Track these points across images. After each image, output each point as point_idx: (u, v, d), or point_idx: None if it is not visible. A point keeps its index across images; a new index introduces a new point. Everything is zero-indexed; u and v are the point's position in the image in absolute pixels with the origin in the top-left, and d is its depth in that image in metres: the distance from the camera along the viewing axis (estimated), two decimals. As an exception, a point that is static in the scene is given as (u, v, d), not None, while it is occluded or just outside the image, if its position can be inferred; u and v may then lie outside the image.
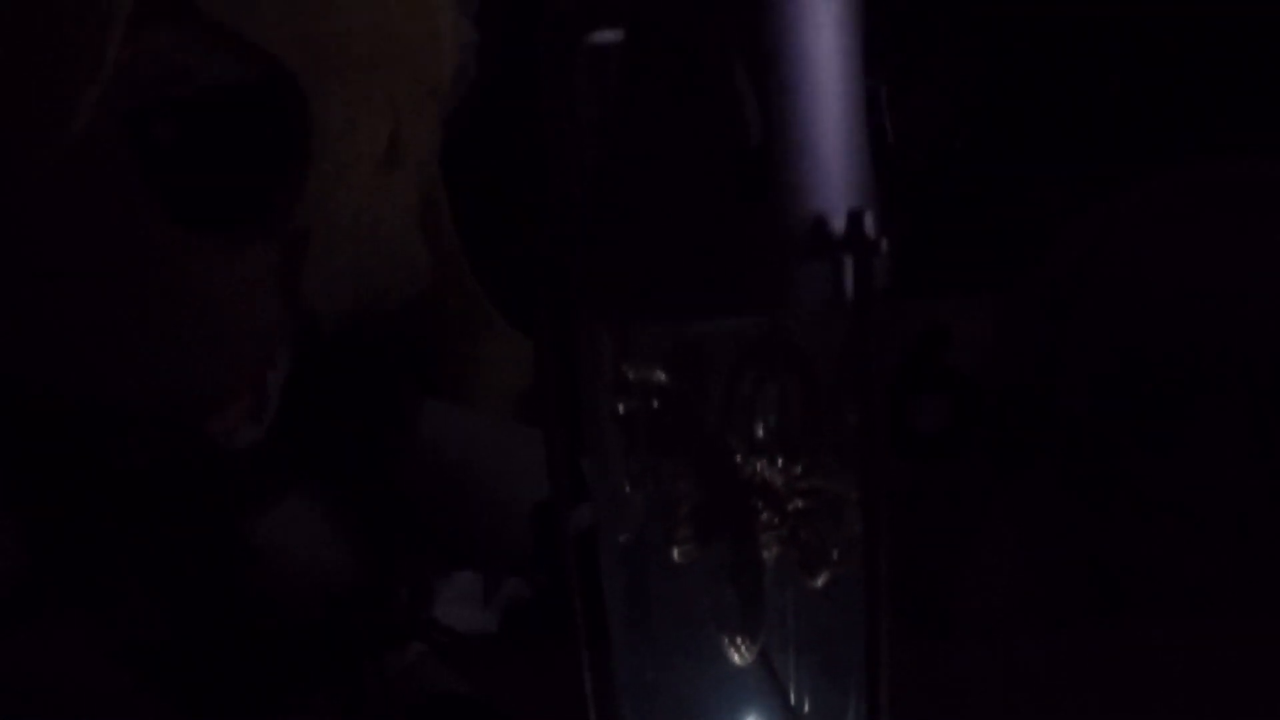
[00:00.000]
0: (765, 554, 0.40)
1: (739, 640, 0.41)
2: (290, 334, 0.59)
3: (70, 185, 0.52)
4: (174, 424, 0.59)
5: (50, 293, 0.55)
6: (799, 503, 0.40)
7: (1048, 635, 0.64)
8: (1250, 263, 0.67)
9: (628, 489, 0.41)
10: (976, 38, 0.74)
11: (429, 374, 0.64)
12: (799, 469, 0.39)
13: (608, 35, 0.37)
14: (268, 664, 0.58)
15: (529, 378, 0.63)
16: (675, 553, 0.40)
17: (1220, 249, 0.67)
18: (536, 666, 0.56)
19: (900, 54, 0.72)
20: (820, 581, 0.40)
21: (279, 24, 0.53)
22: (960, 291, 0.66)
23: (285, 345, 0.59)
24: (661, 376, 0.40)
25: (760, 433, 0.39)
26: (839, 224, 0.34)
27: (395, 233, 0.59)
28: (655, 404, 0.40)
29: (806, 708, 0.42)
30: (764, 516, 0.39)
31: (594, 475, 0.42)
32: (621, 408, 0.40)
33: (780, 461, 0.39)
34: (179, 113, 0.53)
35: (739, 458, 0.39)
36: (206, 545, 0.60)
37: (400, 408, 0.62)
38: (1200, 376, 0.67)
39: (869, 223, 0.34)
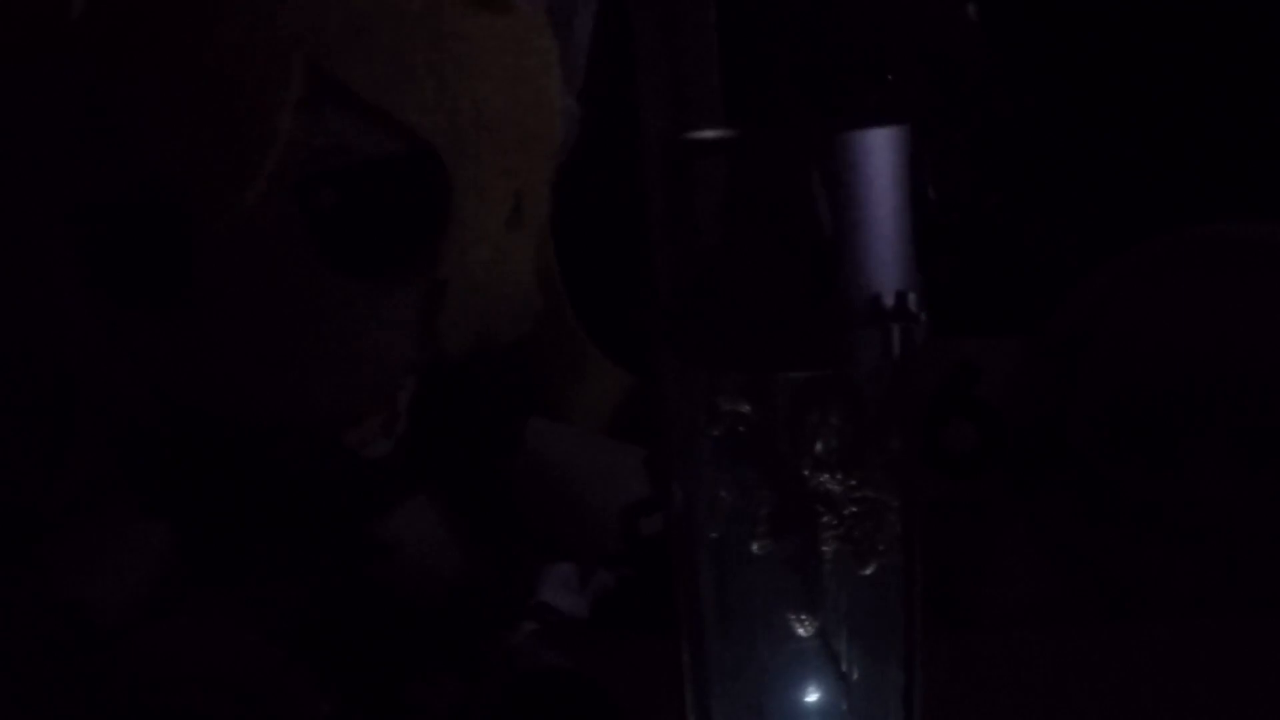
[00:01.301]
0: (824, 549, 0.48)
1: (802, 617, 0.49)
2: (420, 362, 0.64)
3: (249, 240, 0.58)
4: (318, 437, 0.65)
5: (225, 327, 0.60)
6: (852, 508, 0.48)
7: (1057, 632, 0.70)
8: (1236, 311, 0.72)
9: (720, 496, 0.49)
10: (1003, 110, 0.80)
11: (534, 397, 0.69)
12: (853, 481, 0.48)
13: (706, 133, 0.47)
14: (398, 641, 0.63)
15: (615, 401, 0.72)
16: (755, 546, 0.49)
17: (1211, 299, 0.73)
18: (622, 644, 0.65)
19: (937, 122, 0.80)
20: (868, 570, 0.48)
21: (424, 107, 0.59)
22: (988, 333, 0.71)
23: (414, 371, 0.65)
24: (746, 408, 0.48)
25: (822, 453, 0.48)
26: (889, 301, 0.43)
27: (516, 281, 0.65)
28: (741, 429, 0.49)
29: (855, 676, 0.50)
30: (824, 519, 0.48)
31: (692, 486, 0.51)
32: (716, 432, 0.49)
33: (838, 475, 0.48)
34: (340, 181, 0.58)
35: (806, 472, 0.48)
36: (343, 541, 0.65)
37: (510, 425, 0.67)
38: (1193, 409, 0.73)
39: (912, 300, 0.44)
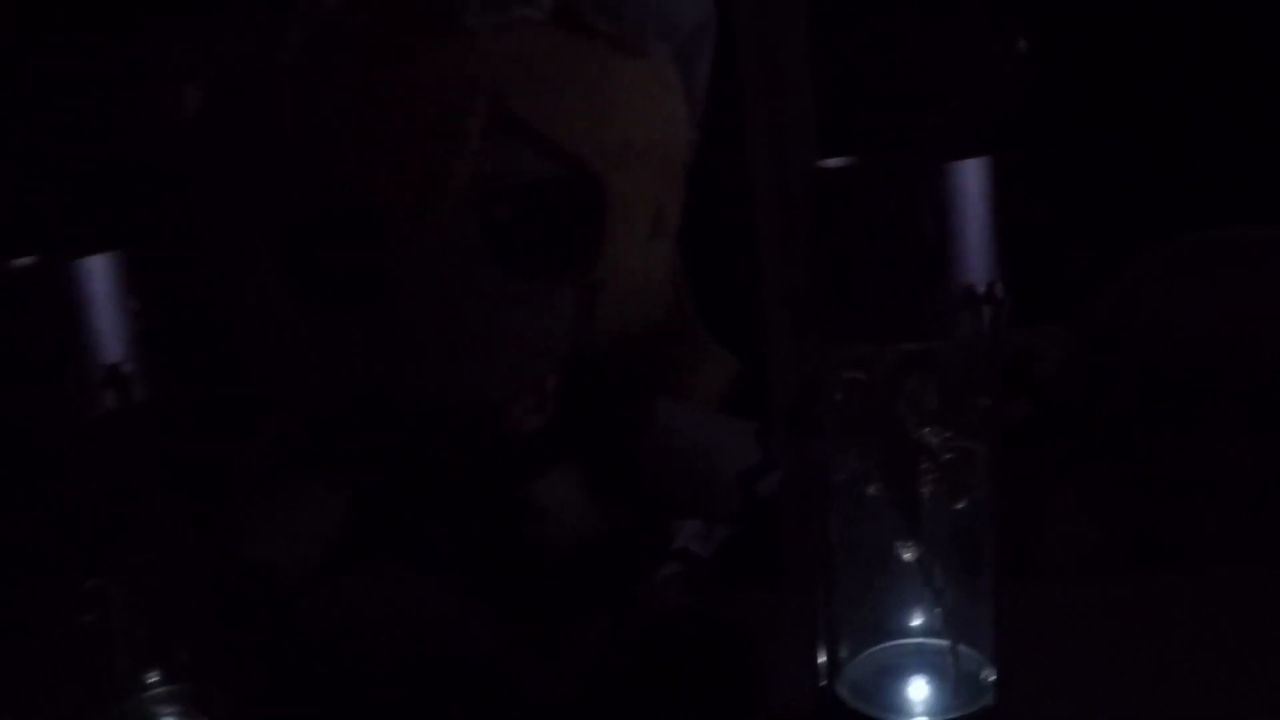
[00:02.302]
0: (923, 490, 0.58)
1: (906, 544, 0.59)
2: (571, 350, 0.67)
3: (436, 248, 0.63)
4: (482, 415, 0.68)
5: (411, 322, 0.64)
6: (948, 456, 0.57)
7: (1099, 577, 0.76)
8: (1251, 301, 0.80)
9: (842, 448, 0.59)
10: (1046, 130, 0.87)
11: (661, 379, 0.73)
12: (948, 434, 0.57)
13: (834, 161, 0.56)
14: (553, 586, 0.68)
15: (726, 383, 0.75)
16: (870, 489, 0.58)
17: (1229, 290, 0.81)
18: (741, 588, 0.72)
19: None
20: (960, 505, 0.57)
21: (582, 135, 0.64)
22: (1042, 321, 0.77)
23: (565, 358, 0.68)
24: (863, 376, 0.57)
25: (923, 410, 0.57)
26: (981, 288, 0.53)
27: (655, 282, 0.70)
28: (858, 394, 0.58)
29: (948, 596, 0.59)
30: (924, 465, 0.58)
31: (818, 441, 0.58)
32: (839, 396, 0.58)
33: (936, 429, 0.57)
34: (513, 198, 0.64)
35: (911, 427, 0.57)
36: (501, 503, 0.69)
37: (642, 404, 0.71)
38: (1213, 384, 0.80)
39: (999, 287, 0.53)
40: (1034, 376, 0.78)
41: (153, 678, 0.65)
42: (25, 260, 0.57)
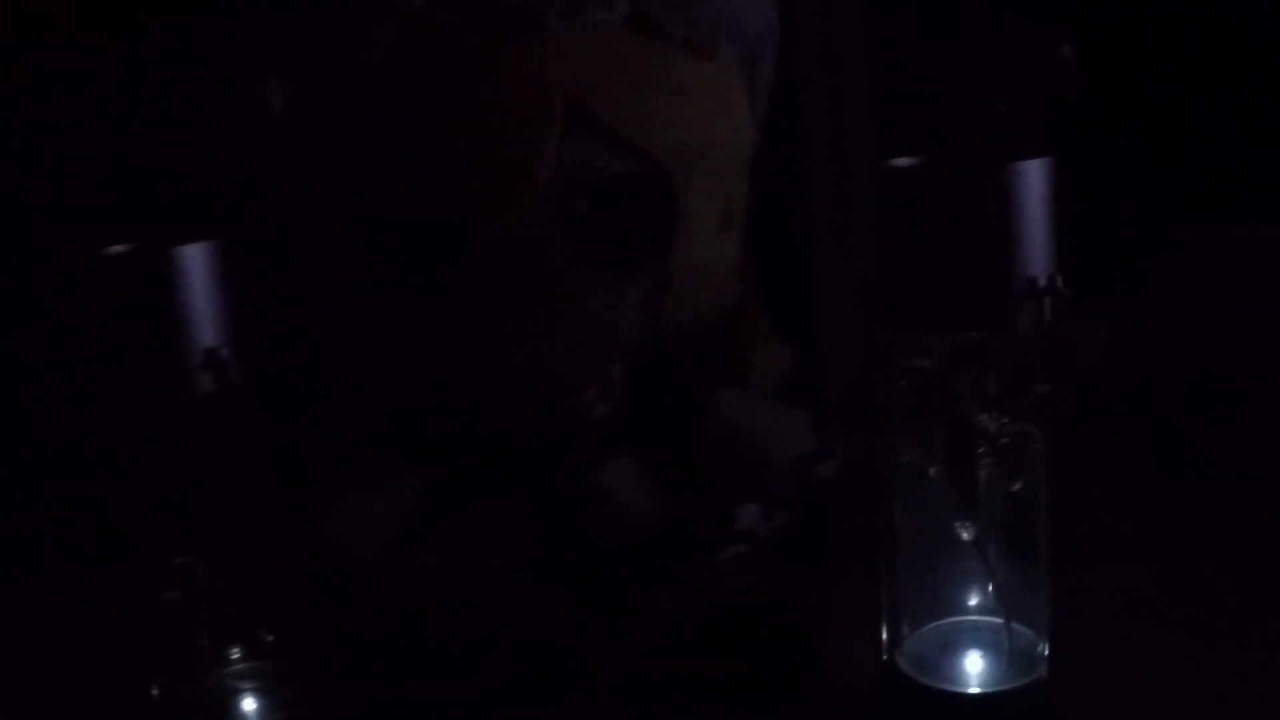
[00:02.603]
0: (980, 473, 0.59)
1: (964, 524, 0.60)
2: (640, 340, 0.69)
3: (518, 240, 0.65)
4: (550, 402, 0.71)
5: (490, 312, 0.66)
6: (1004, 440, 0.59)
7: (1141, 563, 0.77)
8: None
9: (906, 432, 0.60)
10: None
11: (723, 368, 0.75)
12: (1005, 419, 0.59)
13: (904, 160, 0.58)
14: (617, 566, 0.70)
15: (782, 372, 0.77)
16: (931, 471, 0.60)
17: (1266, 285, 0.82)
18: (797, 569, 0.73)
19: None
20: (1015, 487, 0.59)
21: (656, 135, 0.66)
22: (1085, 315, 0.78)
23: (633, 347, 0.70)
24: (927, 364, 0.59)
25: (984, 397, 0.59)
26: (1043, 281, 0.55)
27: (722, 274, 0.72)
28: (922, 381, 0.59)
29: (1002, 573, 0.61)
30: (981, 449, 0.59)
31: (883, 426, 0.60)
32: (904, 383, 0.60)
33: (994, 414, 0.59)
34: (591, 193, 0.65)
35: (970, 413, 0.59)
36: (566, 488, 0.71)
37: (703, 393, 0.73)
38: (1249, 376, 0.81)
39: (1059, 281, 0.55)
40: (1078, 369, 0.78)
41: (235, 654, 0.66)
42: (123, 247, 0.58)
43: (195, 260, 0.57)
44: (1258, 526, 0.78)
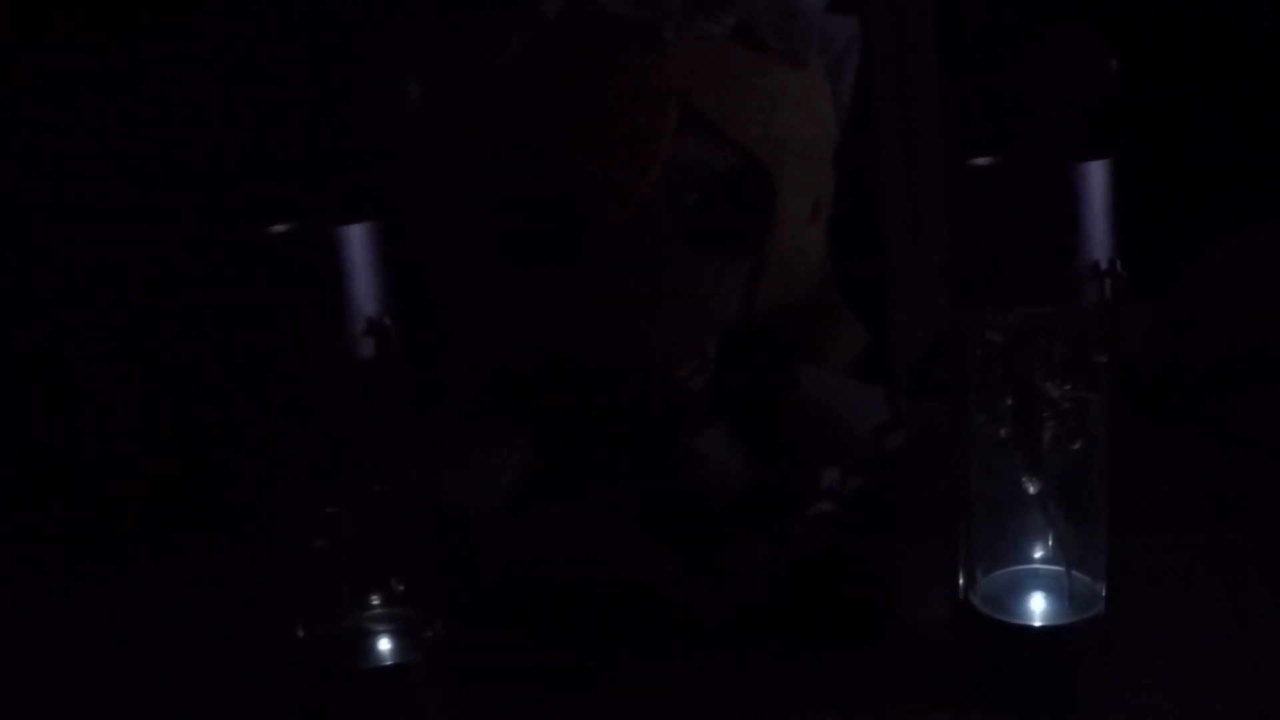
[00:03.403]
0: (1044, 434, 0.65)
1: (1031, 479, 0.66)
2: (734, 318, 0.74)
3: (633, 226, 0.70)
4: (653, 374, 0.76)
5: (606, 290, 0.71)
6: (1066, 405, 0.65)
7: (1176, 525, 0.81)
8: None
9: (980, 398, 0.65)
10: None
11: (804, 346, 0.80)
12: (1067, 386, 0.64)
13: (983, 159, 0.63)
14: (716, 524, 0.74)
15: (858, 351, 0.82)
16: (1002, 432, 0.65)
17: None
18: (871, 527, 0.77)
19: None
20: (1075, 447, 0.65)
21: (756, 133, 0.71)
22: (1130, 299, 0.81)
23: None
24: (999, 337, 0.64)
25: (1049, 366, 0.64)
26: (1104, 265, 0.61)
27: (811, 260, 0.77)
28: (993, 351, 0.65)
29: (1062, 525, 0.66)
30: (1046, 414, 0.65)
31: (961, 393, 0.65)
32: (980, 353, 0.65)
33: (1057, 381, 0.64)
34: (699, 186, 0.70)
35: (1037, 380, 0.64)
36: (666, 452, 0.76)
37: (787, 368, 0.78)
38: (1277, 359, 0.85)
39: (1118, 264, 0.61)
40: (1120, 349, 0.83)
41: (374, 600, 0.70)
42: (287, 226, 0.64)
43: (357, 239, 0.63)
44: (1280, 494, 0.82)
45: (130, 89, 0.97)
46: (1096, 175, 0.61)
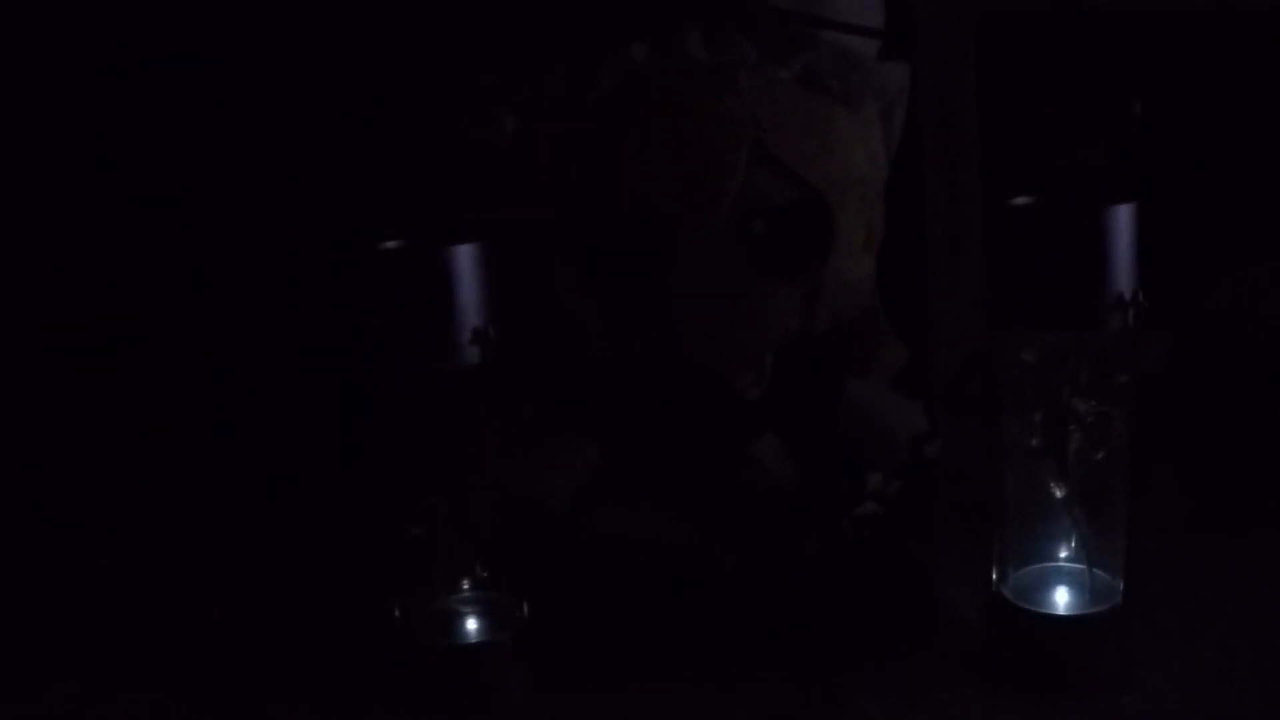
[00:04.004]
0: (1071, 445, 0.70)
1: (1058, 484, 0.71)
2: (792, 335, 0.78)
3: (705, 249, 0.74)
4: (715, 385, 0.79)
5: (680, 307, 0.75)
6: (1091, 419, 0.70)
7: (1190, 529, 0.87)
8: None
9: (1015, 411, 0.71)
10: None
11: (851, 361, 0.83)
12: (1092, 402, 0.70)
13: (1021, 200, 0.69)
14: (765, 525, 0.78)
15: (899, 367, 0.85)
16: (1033, 442, 0.70)
17: None
18: (909, 528, 0.82)
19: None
20: (1099, 456, 0.70)
21: (817, 170, 0.75)
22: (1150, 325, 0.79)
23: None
24: (1032, 358, 0.69)
25: (1077, 385, 0.70)
26: (1128, 296, 0.66)
27: (862, 283, 0.82)
28: (1027, 370, 0.70)
29: (1085, 527, 0.72)
30: (1072, 427, 0.70)
31: (997, 406, 0.70)
32: (1014, 372, 0.70)
33: (1083, 397, 0.70)
34: (765, 215, 0.74)
35: (1065, 397, 0.69)
36: (727, 455, 0.79)
37: (835, 381, 0.81)
38: None
39: (1140, 295, 0.66)
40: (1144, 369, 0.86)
41: (464, 584, 0.75)
42: (397, 243, 0.70)
43: (465, 257, 0.69)
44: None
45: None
46: (1122, 217, 0.67)
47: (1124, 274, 0.67)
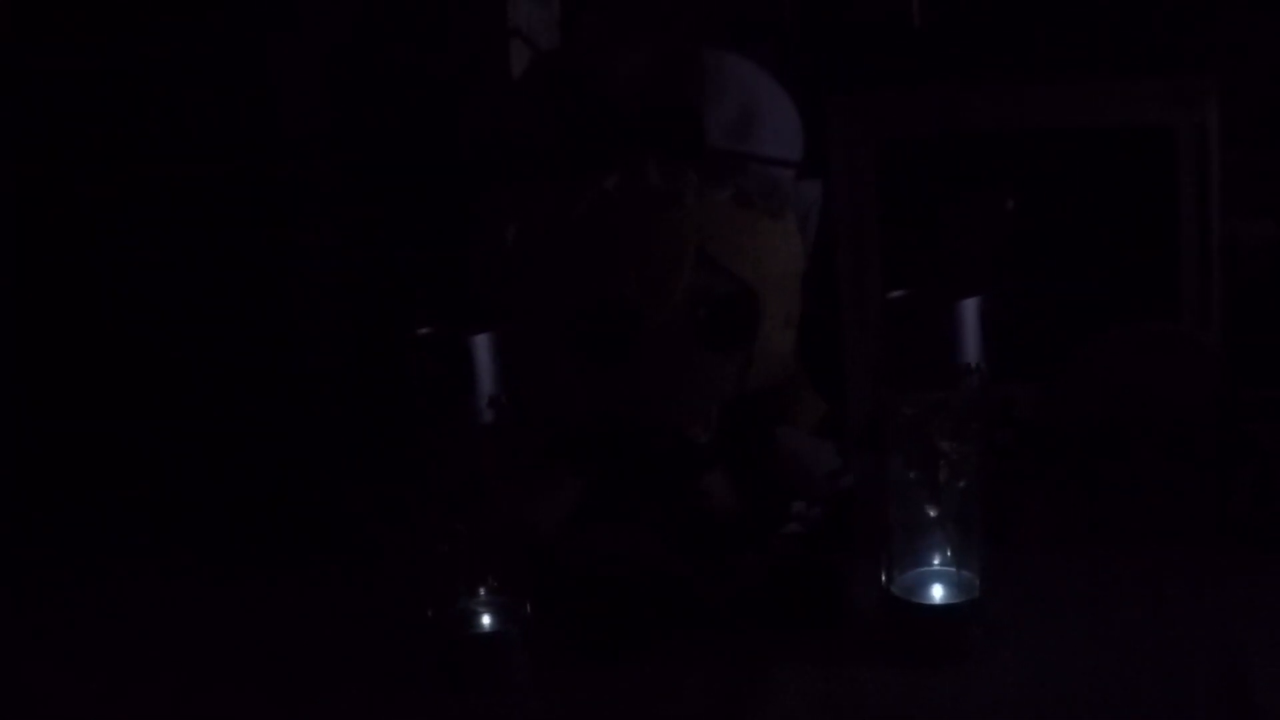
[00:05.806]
0: (940, 476, 0.83)
1: (931, 505, 0.85)
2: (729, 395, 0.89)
3: (666, 328, 0.85)
4: (671, 431, 0.91)
5: (648, 372, 0.86)
6: (954, 456, 0.83)
7: (1053, 544, 0.98)
8: (1155, 373, 1.01)
9: (900, 452, 0.85)
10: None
11: (780, 413, 0.94)
12: (955, 443, 0.82)
13: (897, 294, 0.83)
14: (714, 541, 0.89)
15: (818, 417, 0.97)
16: (911, 474, 0.84)
17: (1147, 364, 1.00)
18: (829, 543, 0.93)
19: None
20: (960, 484, 0.83)
21: (748, 267, 0.87)
22: (1025, 377, 0.97)
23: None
24: (911, 411, 0.83)
25: (943, 430, 0.84)
26: (974, 364, 0.81)
27: (784, 354, 0.93)
28: (908, 420, 0.84)
29: (954, 541, 0.85)
30: (940, 462, 0.84)
31: (885, 449, 0.83)
32: (899, 422, 0.84)
33: (950, 441, 0.84)
34: (708, 303, 0.85)
35: (935, 440, 0.83)
36: (682, 487, 0.90)
37: (766, 429, 0.92)
38: (1137, 425, 1.00)
39: (982, 364, 0.81)
40: (1014, 415, 0.97)
41: (481, 590, 0.86)
42: (429, 330, 0.82)
43: (483, 341, 0.82)
44: (1135, 528, 1.00)
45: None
46: (969, 308, 0.82)
47: (972, 348, 0.83)
